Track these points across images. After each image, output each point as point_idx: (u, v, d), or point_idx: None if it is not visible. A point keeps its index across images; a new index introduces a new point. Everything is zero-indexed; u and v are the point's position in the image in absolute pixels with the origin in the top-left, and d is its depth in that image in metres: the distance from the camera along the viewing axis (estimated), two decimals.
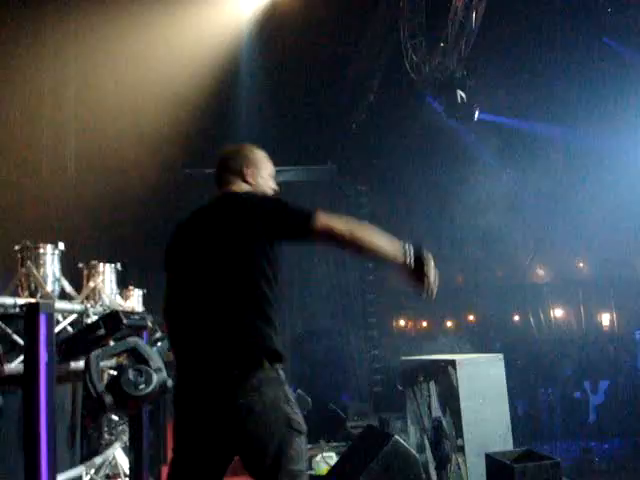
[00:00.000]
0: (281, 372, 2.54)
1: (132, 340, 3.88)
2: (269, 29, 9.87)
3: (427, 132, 10.96)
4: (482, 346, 11.25)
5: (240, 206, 2.68)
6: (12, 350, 3.75)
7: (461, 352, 7.71)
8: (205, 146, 10.07)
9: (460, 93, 8.54)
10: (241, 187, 2.88)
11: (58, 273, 4.53)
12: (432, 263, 2.61)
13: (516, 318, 19.29)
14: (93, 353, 3.93)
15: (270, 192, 2.95)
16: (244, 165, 2.92)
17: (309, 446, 6.29)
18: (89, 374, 3.92)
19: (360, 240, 2.56)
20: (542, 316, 19.30)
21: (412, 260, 2.60)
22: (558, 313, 19.67)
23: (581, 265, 19.23)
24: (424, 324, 18.62)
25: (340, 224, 2.57)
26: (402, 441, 4.66)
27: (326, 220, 2.57)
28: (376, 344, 11.44)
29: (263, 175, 2.97)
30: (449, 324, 18.82)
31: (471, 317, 18.99)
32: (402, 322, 18.72)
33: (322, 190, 12.03)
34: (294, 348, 11.44)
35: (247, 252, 2.58)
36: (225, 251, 2.60)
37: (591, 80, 10.39)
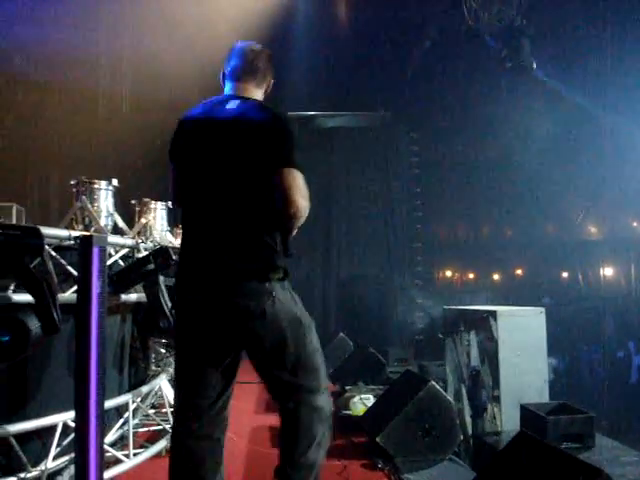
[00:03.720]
0: (287, 280, 2.76)
1: None
2: None
3: (483, 81, 10.74)
4: (529, 300, 11.20)
5: (265, 122, 2.69)
6: (66, 281, 3.92)
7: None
8: None
9: (520, 42, 8.37)
10: (254, 94, 2.89)
11: (112, 208, 4.70)
12: None
13: (565, 275, 19.08)
14: (160, 278, 4.16)
15: None
16: (269, 74, 2.96)
17: (348, 387, 6.46)
18: (161, 294, 4.15)
19: (299, 215, 2.65)
20: (591, 274, 19.05)
21: None
22: (608, 272, 19.37)
23: (635, 224, 18.81)
24: (470, 276, 18.57)
25: (302, 199, 2.65)
26: (438, 387, 4.73)
27: (298, 180, 2.65)
28: (420, 293, 11.48)
29: (270, 87, 3.04)
30: (496, 277, 18.72)
31: (519, 271, 18.84)
32: (449, 273, 18.70)
33: (374, 136, 11.93)
34: (338, 292, 11.57)
35: (264, 171, 2.66)
36: (245, 164, 2.67)
37: None
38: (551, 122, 12.25)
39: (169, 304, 4.26)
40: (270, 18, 9.49)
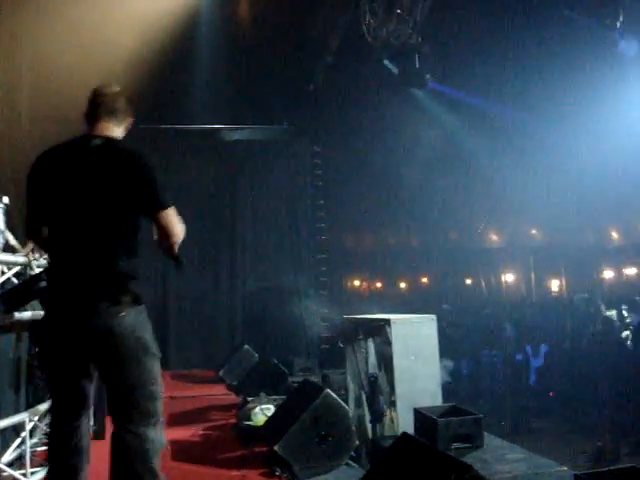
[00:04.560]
0: (142, 304, 2.93)
1: None
2: None
3: (383, 94, 11.06)
4: (431, 308, 11.52)
5: (123, 162, 2.90)
6: None
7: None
8: (161, 103, 10.07)
9: (414, 60, 8.69)
10: (114, 133, 3.06)
11: (2, 226, 4.62)
12: None
13: (468, 281, 19.74)
14: None
15: None
16: (129, 114, 3.14)
17: (250, 399, 6.53)
18: None
19: (178, 241, 2.95)
20: (493, 280, 19.73)
21: None
22: (509, 278, 20.15)
23: (534, 232, 19.63)
24: (378, 285, 18.95)
25: (179, 227, 2.95)
26: (333, 395, 4.87)
27: (173, 217, 2.92)
28: (326, 303, 11.66)
29: (129, 127, 3.20)
30: (402, 285, 19.19)
31: (424, 279, 19.36)
32: (357, 282, 19.03)
33: (277, 150, 12.07)
34: (244, 304, 11.61)
35: (120, 206, 2.87)
36: (104, 198, 2.85)
37: (551, 55, 10.51)
38: (450, 131, 12.72)
39: None
40: (173, 28, 9.49)
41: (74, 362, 2.93)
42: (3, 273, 4.36)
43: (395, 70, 9.20)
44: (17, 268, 4.56)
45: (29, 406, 4.91)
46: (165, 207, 2.89)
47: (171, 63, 9.79)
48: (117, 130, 3.08)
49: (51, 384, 3.03)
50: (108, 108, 3.04)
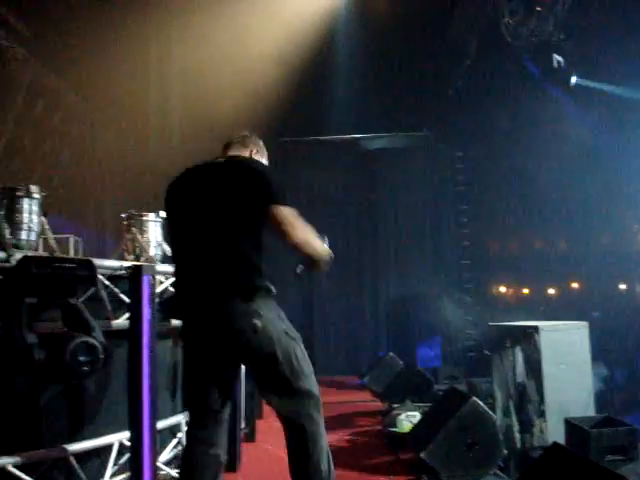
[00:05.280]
0: (273, 299, 3.05)
1: None
2: None
3: (524, 94, 10.75)
4: (583, 314, 11.06)
5: (248, 170, 3.11)
6: (119, 308, 4.17)
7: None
8: (302, 115, 10.35)
9: (556, 57, 8.40)
10: (246, 153, 3.35)
11: (160, 238, 4.96)
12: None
13: (622, 287, 18.67)
14: None
15: None
16: (255, 147, 3.41)
17: (395, 405, 6.57)
18: None
19: (299, 242, 3.01)
20: None
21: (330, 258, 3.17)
22: None
23: None
24: (525, 291, 18.35)
25: (302, 229, 3.03)
26: (480, 402, 4.80)
27: (290, 216, 3.02)
28: (471, 310, 11.48)
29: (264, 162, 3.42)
30: (551, 291, 18.45)
31: (574, 284, 18.53)
32: (502, 288, 18.52)
33: (418, 156, 12.05)
34: (389, 311, 11.66)
35: (249, 210, 3.01)
36: (233, 205, 3.01)
37: None
38: (596, 128, 12.16)
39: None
40: (313, 42, 9.74)
41: (218, 367, 3.07)
42: (161, 283, 4.65)
43: (536, 69, 8.93)
44: (174, 278, 4.84)
45: (184, 409, 5.20)
46: (279, 202, 2.99)
47: (312, 76, 10.05)
48: (244, 151, 3.36)
49: (192, 391, 3.15)
50: (238, 142, 3.38)
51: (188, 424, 3.23)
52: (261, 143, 3.45)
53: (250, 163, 3.21)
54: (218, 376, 3.07)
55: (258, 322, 2.90)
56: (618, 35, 9.56)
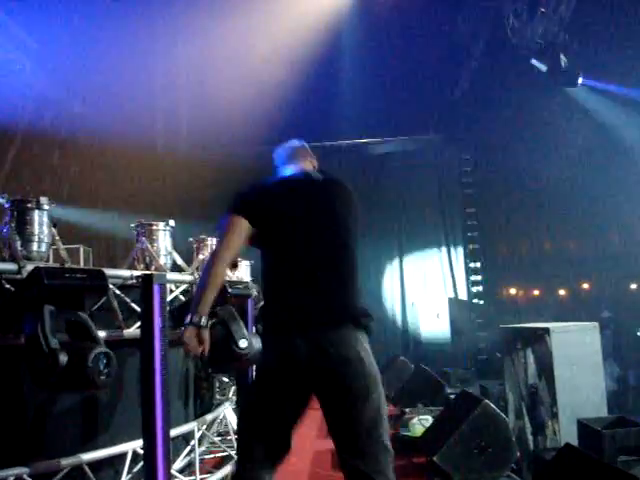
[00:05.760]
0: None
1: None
2: (370, 1, 10.03)
3: (531, 95, 10.76)
4: (594, 315, 11.03)
5: (348, 191, 3.05)
6: (131, 317, 4.19)
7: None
8: (311, 121, 10.37)
9: (562, 58, 8.42)
10: (312, 168, 3.24)
11: (170, 247, 4.98)
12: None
13: (633, 286, 18.59)
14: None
15: None
16: (313, 156, 3.30)
17: (407, 409, 6.57)
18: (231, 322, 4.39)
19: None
20: None
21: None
22: None
23: None
24: (535, 292, 18.30)
25: None
26: (492, 405, 4.80)
27: None
28: (482, 312, 11.47)
29: None
30: (562, 292, 18.39)
31: (585, 285, 18.45)
32: (512, 290, 18.47)
33: (425, 159, 12.07)
34: (399, 317, 11.67)
35: (350, 230, 2.93)
36: (341, 224, 2.92)
37: None
38: (604, 126, 12.13)
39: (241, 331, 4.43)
40: (318, 45, 9.77)
41: (298, 397, 2.77)
42: (171, 291, 4.67)
43: (543, 68, 8.93)
44: (184, 286, 4.88)
45: (197, 416, 5.23)
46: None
47: (317, 80, 10.07)
48: (311, 166, 3.26)
49: (258, 421, 2.79)
50: (300, 152, 3.26)
51: (247, 451, 2.81)
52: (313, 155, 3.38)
53: (352, 191, 3.09)
54: (297, 402, 2.78)
55: (364, 353, 2.69)
56: (622, 35, 9.57)
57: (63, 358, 3.13)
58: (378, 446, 2.64)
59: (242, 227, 2.89)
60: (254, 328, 5.28)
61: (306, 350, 2.67)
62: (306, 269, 2.83)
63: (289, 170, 3.18)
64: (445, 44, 10.74)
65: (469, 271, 12.13)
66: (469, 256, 12.18)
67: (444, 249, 12.15)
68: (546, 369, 5.59)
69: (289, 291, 2.85)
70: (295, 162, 3.22)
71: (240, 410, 3.08)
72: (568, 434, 5.22)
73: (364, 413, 2.65)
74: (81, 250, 6.01)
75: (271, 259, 2.95)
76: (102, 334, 3.77)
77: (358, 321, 2.74)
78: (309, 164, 3.24)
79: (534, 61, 9.32)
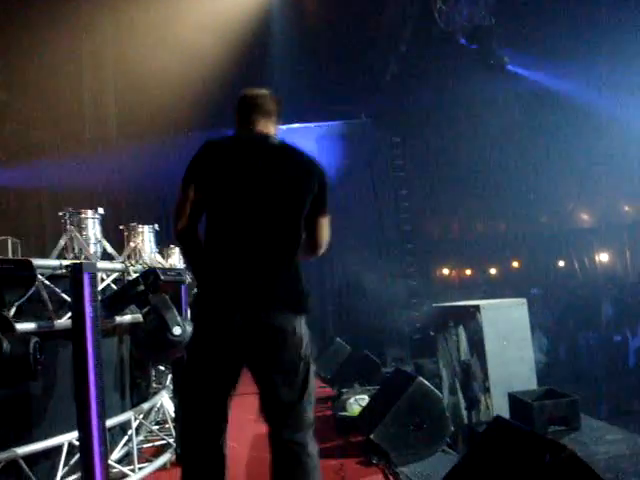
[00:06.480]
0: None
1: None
2: None
3: (459, 81, 10.94)
4: (524, 293, 11.33)
5: (309, 162, 2.90)
6: (61, 308, 4.10)
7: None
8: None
9: (489, 40, 8.61)
10: (273, 132, 2.99)
11: (100, 235, 4.88)
12: None
13: (561, 264, 19.17)
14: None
15: None
16: (277, 113, 3.03)
17: (344, 390, 6.64)
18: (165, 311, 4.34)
19: (322, 252, 3.06)
20: (587, 261, 19.10)
21: None
22: (604, 258, 19.42)
23: (627, 209, 18.88)
24: (467, 272, 18.69)
25: (327, 239, 3.00)
26: (426, 382, 4.90)
27: (327, 226, 3.00)
28: (415, 292, 11.65)
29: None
30: (493, 271, 18.84)
31: (515, 264, 18.94)
32: (445, 271, 18.82)
33: (357, 143, 12.13)
34: (335, 297, 11.76)
35: (301, 209, 2.83)
36: (292, 197, 2.81)
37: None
38: (531, 114, 12.44)
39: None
40: (246, 29, 9.69)
41: (233, 367, 2.79)
42: (102, 280, 4.59)
43: (472, 53, 9.11)
44: (115, 274, 4.79)
45: (134, 405, 5.17)
46: (327, 215, 2.94)
47: (244, 67, 9.97)
48: (274, 130, 3.01)
49: (197, 393, 2.84)
50: (264, 109, 2.98)
51: (189, 424, 2.89)
52: (280, 110, 3.06)
53: (316, 162, 2.93)
54: (232, 373, 2.80)
55: (299, 329, 2.77)
56: (548, 17, 9.81)
57: (6, 348, 3.07)
58: (301, 417, 2.77)
59: (189, 195, 2.84)
60: (188, 315, 5.24)
61: (242, 322, 2.71)
62: (247, 244, 2.78)
63: (246, 131, 2.97)
64: (375, 28, 10.79)
65: (404, 252, 12.29)
66: (404, 238, 12.34)
67: (378, 231, 12.26)
68: (477, 345, 5.74)
69: (228, 266, 2.81)
70: (255, 121, 2.97)
71: (179, 390, 3.08)
72: (501, 408, 5.37)
73: (293, 384, 2.76)
74: (9, 242, 5.84)
75: (212, 230, 2.87)
76: (32, 325, 3.71)
77: (298, 300, 2.79)
78: (271, 125, 2.99)
79: (463, 41, 9.48)
